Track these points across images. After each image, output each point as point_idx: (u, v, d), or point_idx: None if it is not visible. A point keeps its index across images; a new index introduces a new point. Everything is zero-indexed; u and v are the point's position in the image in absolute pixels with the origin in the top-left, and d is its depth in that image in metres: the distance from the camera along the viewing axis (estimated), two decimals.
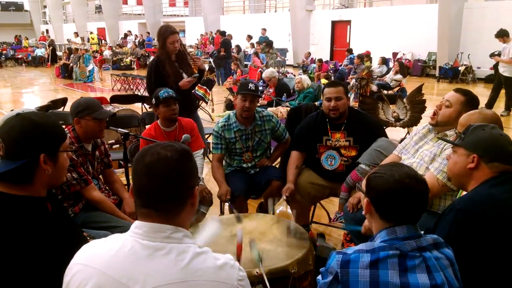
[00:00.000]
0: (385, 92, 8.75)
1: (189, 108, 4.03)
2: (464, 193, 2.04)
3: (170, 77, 3.89)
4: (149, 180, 1.16)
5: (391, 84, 10.23)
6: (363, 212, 1.52)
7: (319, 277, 1.45)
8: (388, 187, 1.40)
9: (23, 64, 22.68)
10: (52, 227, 1.44)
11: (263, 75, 7.50)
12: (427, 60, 15.56)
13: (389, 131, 5.61)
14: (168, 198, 1.18)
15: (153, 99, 3.21)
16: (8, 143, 1.42)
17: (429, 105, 4.66)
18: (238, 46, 15.71)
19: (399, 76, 10.08)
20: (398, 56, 15.47)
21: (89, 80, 15.34)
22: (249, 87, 3.15)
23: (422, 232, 1.83)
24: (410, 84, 10.62)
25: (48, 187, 1.55)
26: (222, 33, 16.08)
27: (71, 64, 15.89)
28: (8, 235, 1.35)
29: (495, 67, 9.66)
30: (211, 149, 3.73)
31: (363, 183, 1.51)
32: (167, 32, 3.88)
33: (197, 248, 1.19)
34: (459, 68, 13.58)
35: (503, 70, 8.48)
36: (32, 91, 13.82)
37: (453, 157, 1.77)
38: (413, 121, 5.61)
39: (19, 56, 23.16)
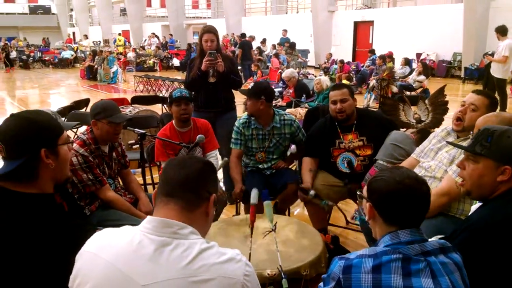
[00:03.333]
0: (407, 93, 8.62)
1: (227, 106, 4.11)
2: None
3: (195, 72, 3.97)
4: (177, 169, 1.27)
5: (413, 85, 10.06)
6: (366, 218, 1.49)
7: (321, 284, 1.43)
8: (389, 188, 1.38)
9: (50, 66, 23.27)
10: (60, 221, 1.46)
11: (283, 75, 7.47)
12: (452, 61, 15.24)
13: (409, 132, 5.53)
14: (189, 189, 1.25)
15: (168, 99, 3.25)
16: (7, 144, 1.46)
17: (453, 106, 4.54)
18: (259, 48, 15.72)
19: (422, 77, 9.90)
20: (422, 57, 15.20)
21: (113, 82, 15.63)
22: (248, 88, 3.18)
23: (440, 237, 1.79)
24: (433, 85, 10.39)
25: (54, 182, 1.58)
26: (242, 35, 16.13)
27: (95, 66, 16.22)
28: (17, 231, 1.37)
29: (487, 68, 9.31)
30: None
31: (364, 188, 1.49)
32: (203, 30, 4.03)
33: (204, 243, 1.21)
34: (484, 59, 13.21)
35: (493, 70, 8.26)
36: (59, 92, 14.17)
37: (475, 167, 1.63)
38: (435, 123, 5.47)
39: (46, 58, 23.76)
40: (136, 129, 2.92)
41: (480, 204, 1.98)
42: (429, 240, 1.40)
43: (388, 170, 1.46)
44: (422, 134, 3.06)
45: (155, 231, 1.19)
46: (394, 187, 1.37)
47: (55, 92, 14.24)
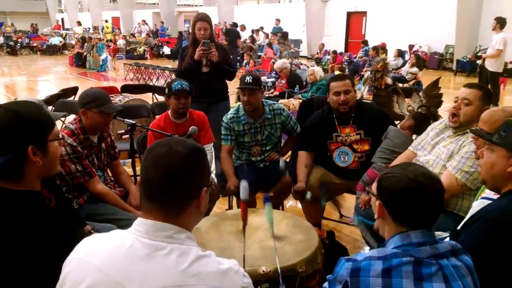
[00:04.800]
0: (400, 85, 8.57)
1: (220, 97, 4.04)
2: (484, 193, 1.94)
3: (188, 62, 3.88)
4: (156, 171, 1.11)
5: (406, 77, 10.04)
6: (375, 217, 1.42)
7: (326, 285, 1.36)
8: (402, 186, 1.30)
9: (38, 53, 22.86)
10: (46, 221, 1.38)
11: (275, 66, 7.38)
12: (444, 53, 15.25)
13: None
14: (172, 194, 1.12)
15: (166, 89, 3.14)
16: None
17: (446, 99, 4.53)
18: (252, 37, 15.57)
19: (415, 69, 9.87)
20: (415, 49, 15.18)
21: (102, 69, 15.37)
22: (246, 81, 3.04)
23: (446, 234, 1.74)
24: (426, 78, 10.40)
25: (42, 179, 1.49)
26: (234, 25, 15.98)
27: (84, 53, 15.94)
28: (5, 231, 1.29)
29: (476, 58, 9.26)
30: None
31: (374, 185, 1.42)
32: (196, 18, 3.94)
33: (200, 251, 1.13)
34: (477, 62, 13.25)
35: (488, 63, 8.26)
36: (47, 80, 13.90)
37: (490, 156, 1.61)
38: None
39: (34, 45, 23.32)
40: (126, 119, 2.82)
41: (481, 199, 1.95)
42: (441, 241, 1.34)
43: (400, 166, 1.38)
44: (417, 122, 2.97)
45: (147, 234, 1.10)
46: (407, 185, 1.29)
47: (43, 80, 13.97)
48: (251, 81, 3.03)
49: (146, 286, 1.04)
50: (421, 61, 10.73)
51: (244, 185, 2.06)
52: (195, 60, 3.80)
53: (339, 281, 1.29)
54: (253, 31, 16.97)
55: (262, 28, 17.56)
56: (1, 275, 1.27)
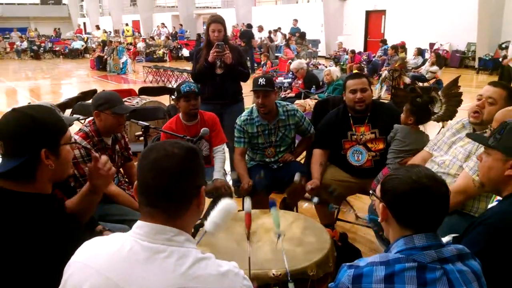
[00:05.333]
0: (420, 84, 8.42)
1: (234, 98, 4.04)
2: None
3: (202, 64, 3.89)
4: (154, 176, 1.11)
5: (426, 76, 9.86)
6: (379, 220, 1.39)
7: None
8: (405, 188, 1.27)
9: (60, 56, 23.33)
10: (56, 224, 1.39)
11: (291, 67, 7.35)
12: (466, 51, 14.95)
13: (421, 125, 5.39)
14: (172, 197, 1.12)
15: (175, 92, 3.17)
16: (6, 140, 1.37)
17: (467, 97, 4.42)
18: (270, 38, 15.58)
19: (435, 68, 9.69)
20: (435, 47, 14.92)
21: (122, 72, 15.61)
22: (259, 83, 3.03)
23: (450, 238, 1.70)
24: (447, 76, 10.20)
25: (53, 182, 1.50)
26: (248, 26, 16.01)
27: (105, 56, 16.21)
28: (10, 231, 1.31)
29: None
30: None
31: (378, 187, 1.39)
32: (210, 20, 3.94)
33: (199, 253, 1.12)
34: (500, 59, 12.93)
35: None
36: (70, 83, 14.20)
37: (486, 160, 1.59)
38: (448, 115, 5.31)
39: (57, 49, 23.82)
40: (140, 122, 2.85)
41: (496, 201, 1.89)
42: (444, 240, 1.30)
43: (405, 168, 1.35)
44: (418, 115, 2.87)
45: (147, 237, 1.10)
46: (410, 187, 1.26)
47: (66, 83, 14.29)
48: (264, 83, 3.02)
49: None
50: (441, 60, 10.54)
51: (248, 202, 2.01)
52: (209, 62, 3.81)
53: None
54: (270, 31, 16.97)
55: (279, 28, 17.53)
56: (6, 275, 1.29)
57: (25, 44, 23.68)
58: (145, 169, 1.13)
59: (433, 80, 9.78)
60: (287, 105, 3.29)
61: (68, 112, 5.21)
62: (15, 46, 23.67)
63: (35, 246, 1.32)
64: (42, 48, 23.73)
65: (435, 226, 1.29)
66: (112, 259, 1.09)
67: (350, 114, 3.05)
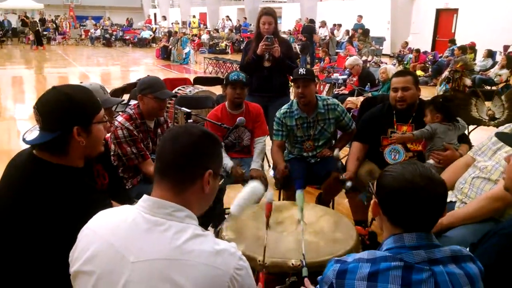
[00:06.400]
0: (488, 87, 7.96)
1: (281, 92, 4.08)
2: None
3: (250, 56, 3.95)
4: (169, 147, 1.22)
5: (495, 79, 9.27)
6: (372, 215, 1.37)
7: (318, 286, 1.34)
8: (395, 186, 1.23)
9: (130, 45, 24.48)
10: (80, 195, 1.50)
11: (346, 63, 7.22)
12: None
13: (480, 130, 5.10)
14: (179, 168, 1.21)
15: (224, 80, 3.26)
16: (44, 116, 1.50)
17: None
18: (332, 33, 15.36)
19: (504, 71, 9.09)
20: (510, 50, 13.92)
21: (184, 62, 16.12)
22: (300, 72, 3.03)
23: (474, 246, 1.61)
24: None
25: (84, 157, 1.62)
26: (311, 21, 15.86)
27: (170, 46, 16.80)
28: (41, 197, 1.44)
29: None
30: None
31: (375, 183, 1.36)
32: (261, 12, 3.99)
33: (198, 229, 1.18)
34: None
35: None
36: (137, 70, 14.90)
37: None
38: (510, 120, 5.01)
39: (127, 38, 25.01)
40: (182, 108, 2.97)
41: None
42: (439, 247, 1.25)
43: (401, 165, 1.31)
44: (444, 111, 2.76)
45: (149, 210, 1.17)
46: (401, 184, 1.23)
47: (134, 70, 15.00)
48: (304, 72, 3.03)
49: (142, 257, 1.11)
50: None
51: (270, 193, 2.09)
52: (258, 55, 3.86)
53: (325, 282, 1.26)
54: (334, 25, 16.71)
55: (340, 25, 17.22)
56: (30, 232, 1.42)
57: (98, 32, 25.08)
58: (165, 138, 1.26)
59: (503, 84, 9.19)
60: (328, 99, 3.27)
61: (125, 97, 5.49)
62: (89, 34, 25.16)
63: (59, 211, 1.43)
64: (113, 37, 25.01)
65: (428, 227, 1.25)
66: (116, 227, 1.18)
67: (394, 112, 2.98)
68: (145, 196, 1.22)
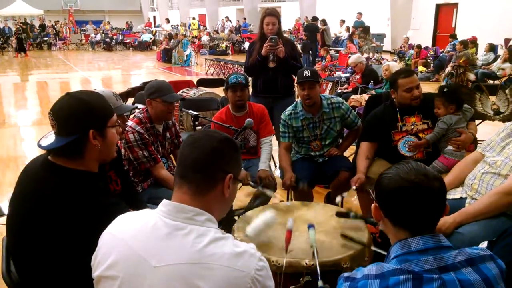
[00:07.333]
0: (490, 82, 7.95)
1: (286, 92, 4.08)
2: None
3: (255, 57, 3.95)
4: (190, 151, 1.24)
5: (497, 73, 9.26)
6: (375, 220, 1.36)
7: None
8: (393, 186, 1.24)
9: (130, 48, 24.52)
10: (99, 201, 1.52)
11: (349, 61, 7.22)
12: None
13: (485, 124, 5.11)
14: (200, 171, 1.23)
15: (225, 83, 3.27)
16: (60, 121, 1.52)
17: None
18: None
19: (507, 65, 9.08)
20: (511, 43, 13.90)
21: (186, 64, 16.14)
22: (305, 75, 3.03)
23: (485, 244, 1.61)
24: None
25: (99, 162, 1.64)
26: (314, 19, 15.83)
27: (171, 48, 16.83)
28: (57, 202, 1.46)
29: None
30: None
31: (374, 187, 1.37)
32: (265, 13, 3.99)
33: (219, 233, 1.19)
34: None
35: None
36: (139, 74, 14.94)
37: None
38: None
39: (127, 41, 25.07)
40: (190, 111, 2.98)
41: None
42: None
43: (396, 165, 1.31)
44: (457, 101, 2.88)
45: (169, 215, 1.19)
46: (398, 184, 1.23)
47: (135, 74, 15.03)
48: (309, 74, 3.03)
49: (164, 261, 1.13)
50: None
51: (290, 220, 2.11)
52: (262, 56, 3.87)
53: None
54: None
55: (344, 21, 17.21)
56: (48, 238, 1.44)
57: (98, 36, 25.14)
58: (186, 143, 1.28)
59: (505, 77, 9.17)
60: (332, 97, 3.27)
61: (130, 101, 5.51)
62: (89, 38, 25.22)
63: (79, 216, 1.45)
64: (114, 40, 25.07)
65: (430, 225, 1.25)
66: (137, 232, 1.20)
67: (397, 108, 3.02)
68: (165, 201, 1.23)
